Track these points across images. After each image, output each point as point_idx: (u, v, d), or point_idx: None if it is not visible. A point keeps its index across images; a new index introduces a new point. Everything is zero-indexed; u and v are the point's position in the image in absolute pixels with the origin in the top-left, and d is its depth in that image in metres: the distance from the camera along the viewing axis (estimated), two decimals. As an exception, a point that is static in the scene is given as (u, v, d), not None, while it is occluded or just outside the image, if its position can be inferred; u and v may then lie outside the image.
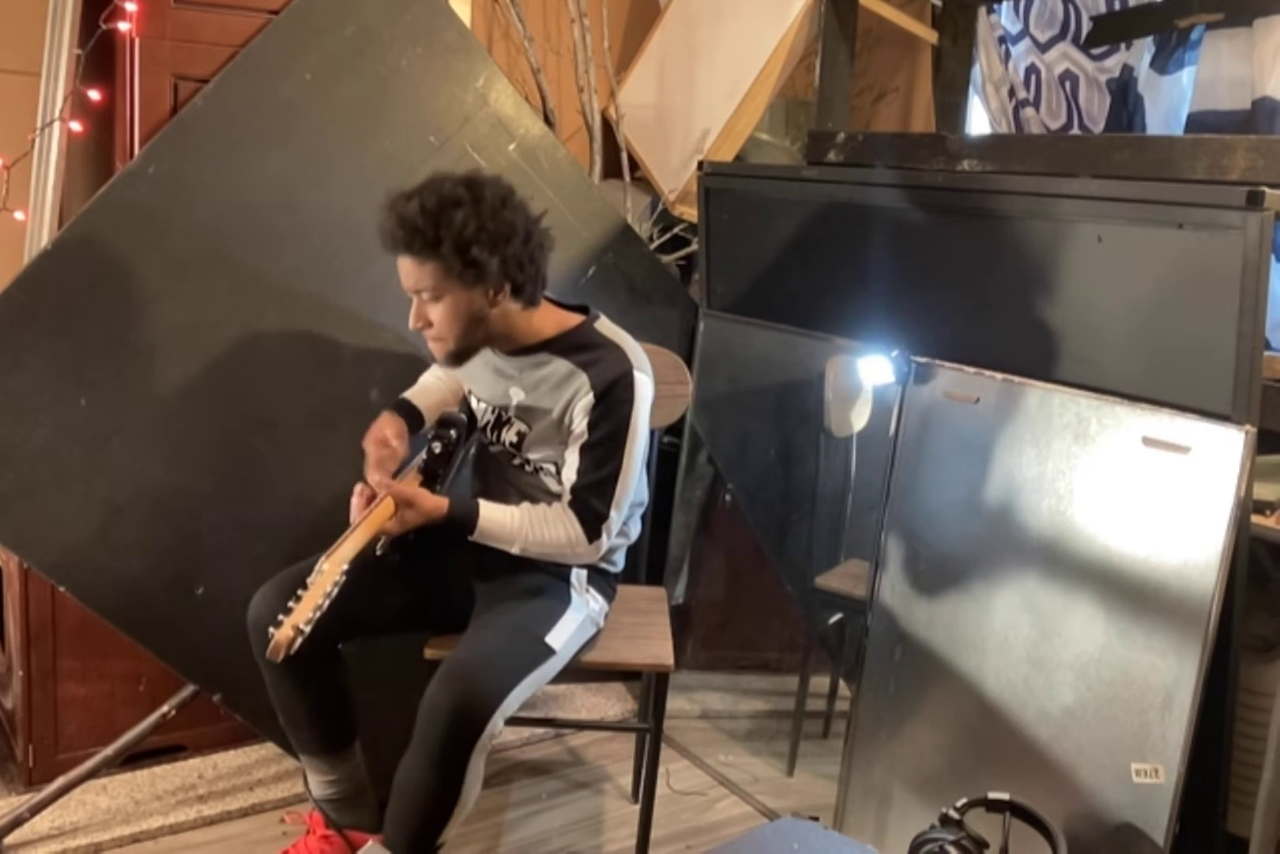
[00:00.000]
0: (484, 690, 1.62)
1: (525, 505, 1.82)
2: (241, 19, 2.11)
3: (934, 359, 2.00)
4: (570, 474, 1.81)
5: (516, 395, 1.85)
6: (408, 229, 1.65)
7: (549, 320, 1.83)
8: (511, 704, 1.65)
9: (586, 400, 1.76)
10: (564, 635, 1.78)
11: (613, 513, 1.80)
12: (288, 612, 1.51)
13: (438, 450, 1.84)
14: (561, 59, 2.92)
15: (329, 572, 1.57)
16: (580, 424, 1.78)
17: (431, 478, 1.84)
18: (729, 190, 2.45)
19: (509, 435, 1.88)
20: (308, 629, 1.50)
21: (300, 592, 1.55)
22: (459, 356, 1.78)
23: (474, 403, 1.95)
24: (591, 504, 1.79)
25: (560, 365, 1.81)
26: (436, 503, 1.75)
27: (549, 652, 1.75)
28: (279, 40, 2.09)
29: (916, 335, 2.05)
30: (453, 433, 1.86)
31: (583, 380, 1.77)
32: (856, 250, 2.17)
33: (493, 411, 1.90)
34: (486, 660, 1.67)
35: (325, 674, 1.81)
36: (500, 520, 1.78)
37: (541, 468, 1.87)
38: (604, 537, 1.81)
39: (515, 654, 1.71)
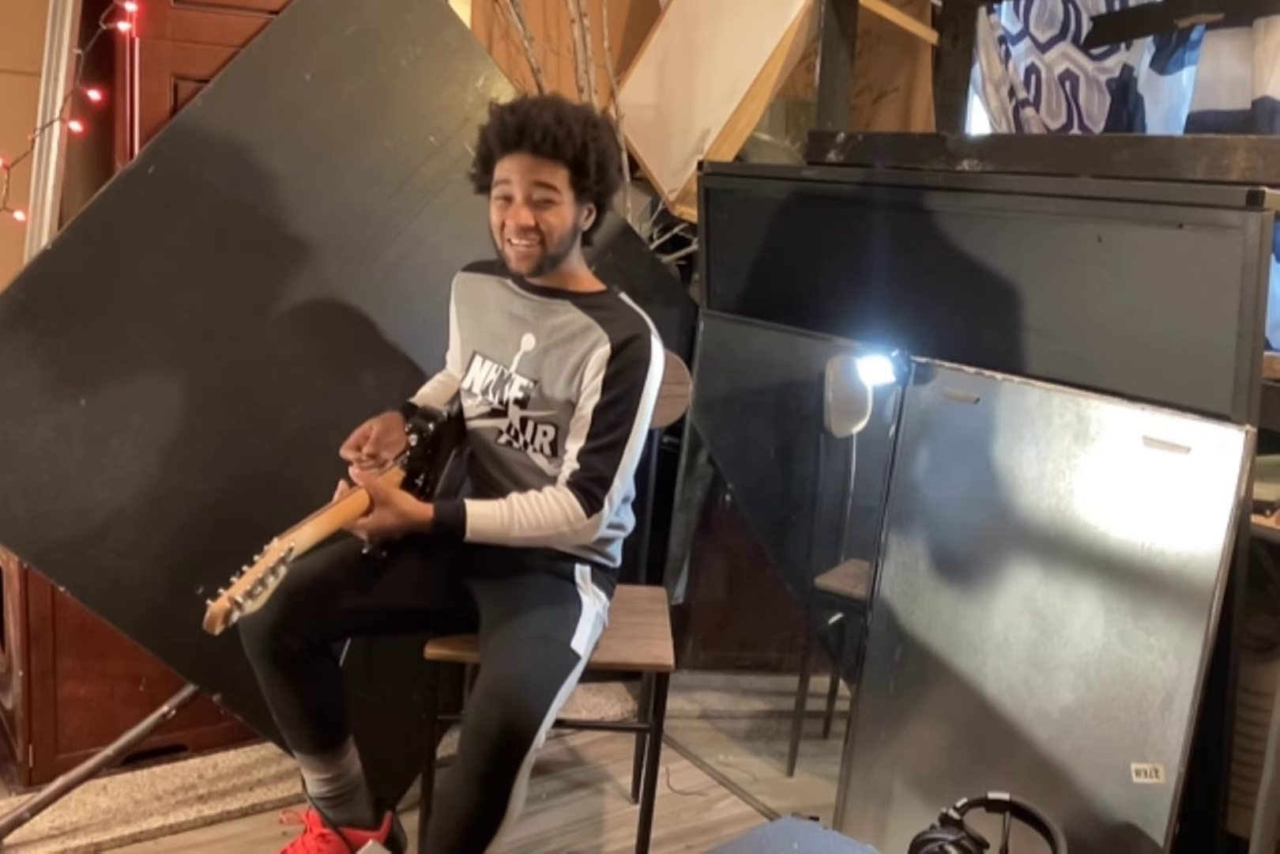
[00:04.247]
0: (529, 706, 1.60)
1: (513, 495, 1.79)
2: (241, 19, 2.11)
3: (934, 359, 2.00)
4: (578, 438, 1.79)
5: (527, 342, 1.85)
6: (563, 130, 1.71)
7: (586, 275, 1.90)
8: (552, 716, 1.65)
9: (603, 352, 1.77)
10: (585, 639, 1.78)
11: (616, 481, 1.78)
12: (229, 585, 1.49)
13: (414, 442, 1.83)
14: (561, 59, 2.92)
15: (275, 548, 1.54)
16: (594, 380, 1.77)
17: (413, 473, 1.83)
18: (729, 190, 2.45)
19: (513, 391, 1.85)
20: (245, 602, 1.47)
21: (245, 567, 1.52)
22: (550, 263, 1.81)
23: (477, 365, 1.92)
24: (598, 469, 1.77)
25: (579, 317, 1.82)
26: (420, 509, 1.72)
27: (576, 657, 1.74)
28: (279, 40, 2.09)
29: (916, 335, 2.05)
30: (430, 426, 1.84)
31: (600, 334, 1.79)
32: (856, 250, 2.17)
33: (497, 369, 1.88)
34: (526, 676, 1.64)
35: (318, 672, 1.80)
36: (489, 515, 1.75)
37: (535, 439, 1.85)
38: (605, 508, 1.78)
39: (550, 665, 1.69)
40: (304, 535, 1.59)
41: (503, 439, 1.89)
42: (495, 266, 1.94)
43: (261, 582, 1.50)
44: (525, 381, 1.84)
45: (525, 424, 1.86)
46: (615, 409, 1.77)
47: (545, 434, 1.85)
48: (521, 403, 1.85)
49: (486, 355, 1.91)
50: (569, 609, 1.82)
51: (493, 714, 1.59)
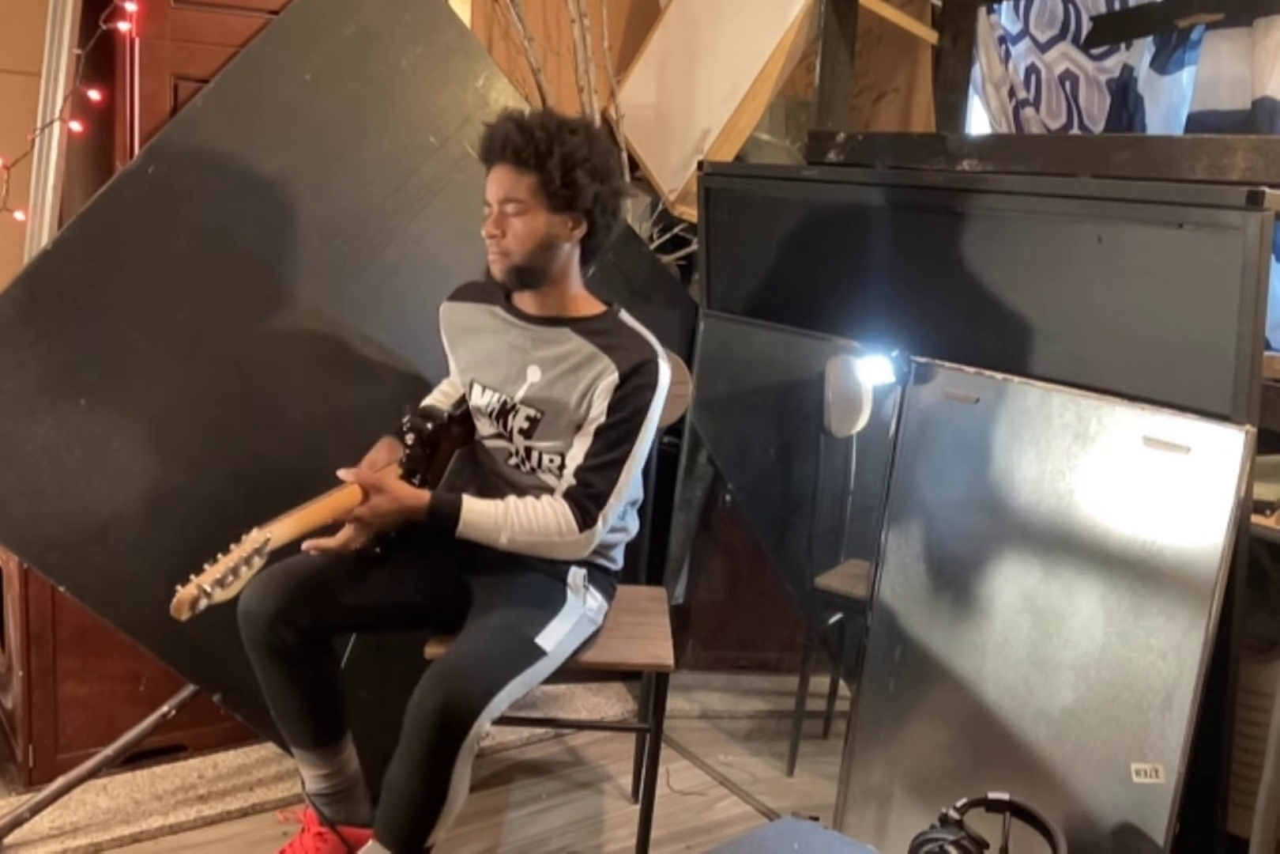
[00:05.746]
0: (470, 692, 1.61)
1: (511, 497, 1.80)
2: (241, 19, 2.11)
3: (934, 359, 2.00)
4: (577, 455, 1.79)
5: (533, 374, 1.85)
6: (523, 136, 1.72)
7: (584, 297, 1.88)
8: (499, 705, 1.64)
9: (610, 380, 1.77)
10: (556, 636, 1.77)
11: (612, 499, 1.78)
12: (200, 572, 1.49)
13: (410, 441, 1.82)
14: (561, 59, 2.92)
15: (251, 538, 1.54)
16: (600, 406, 1.78)
17: (410, 473, 1.83)
18: (729, 190, 2.45)
19: (518, 422, 1.86)
20: (214, 591, 1.47)
21: (220, 555, 1.52)
22: (517, 274, 1.80)
23: (478, 393, 1.92)
24: (595, 485, 1.77)
25: (583, 346, 1.81)
26: (415, 494, 1.74)
27: (539, 653, 1.73)
28: (279, 40, 2.09)
29: (916, 335, 2.05)
30: (429, 426, 1.84)
31: (606, 363, 1.78)
32: (856, 250, 2.17)
33: (499, 399, 1.88)
34: (473, 662, 1.65)
35: (315, 667, 1.80)
36: (484, 511, 1.76)
37: (542, 464, 1.86)
38: (599, 524, 1.78)
39: (503, 655, 1.69)
40: (284, 527, 1.59)
41: (512, 461, 1.91)
42: (483, 293, 1.94)
43: (234, 571, 1.49)
44: (532, 412, 1.84)
45: (530, 453, 1.87)
46: (619, 429, 1.78)
47: (552, 460, 1.86)
48: (526, 433, 1.86)
49: (486, 384, 1.91)
50: (546, 606, 1.81)
51: (432, 696, 1.59)
